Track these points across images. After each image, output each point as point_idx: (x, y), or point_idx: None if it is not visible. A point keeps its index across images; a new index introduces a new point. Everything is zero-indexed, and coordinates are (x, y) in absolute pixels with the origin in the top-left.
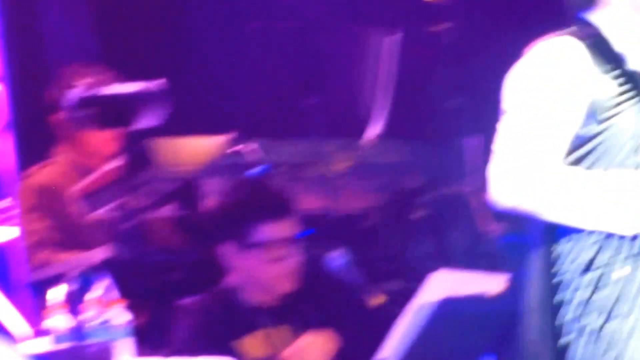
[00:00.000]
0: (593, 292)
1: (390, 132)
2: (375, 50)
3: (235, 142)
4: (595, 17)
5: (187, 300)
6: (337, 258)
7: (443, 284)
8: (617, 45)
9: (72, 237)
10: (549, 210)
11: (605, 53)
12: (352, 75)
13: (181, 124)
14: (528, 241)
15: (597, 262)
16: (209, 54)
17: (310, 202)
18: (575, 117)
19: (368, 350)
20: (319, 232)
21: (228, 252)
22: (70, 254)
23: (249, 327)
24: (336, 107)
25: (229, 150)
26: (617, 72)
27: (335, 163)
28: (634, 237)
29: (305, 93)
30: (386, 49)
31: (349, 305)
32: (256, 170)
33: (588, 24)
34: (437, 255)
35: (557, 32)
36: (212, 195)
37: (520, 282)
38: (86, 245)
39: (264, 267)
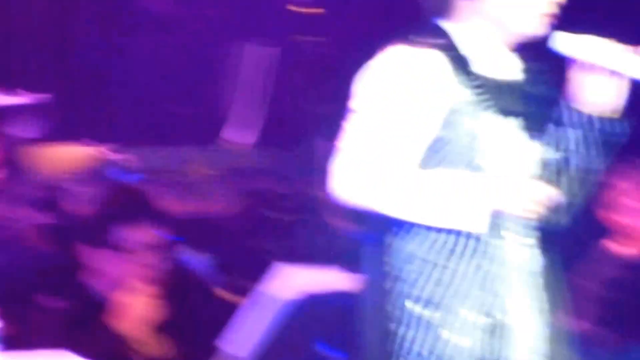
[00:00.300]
0: (424, 285)
1: (257, 140)
2: (246, 62)
3: (110, 150)
4: (450, 25)
5: (52, 303)
6: (203, 259)
7: (297, 280)
8: (471, 54)
9: None
10: (389, 205)
11: (458, 62)
12: (224, 86)
13: (58, 133)
14: (368, 237)
15: (430, 256)
16: (82, 66)
17: (178, 206)
18: (426, 122)
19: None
20: (185, 233)
21: (95, 256)
22: None
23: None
24: (208, 116)
25: (104, 158)
26: (469, 80)
27: (204, 169)
28: (469, 235)
29: (178, 103)
30: (256, 61)
31: (212, 302)
32: (129, 177)
33: (443, 32)
34: (297, 253)
35: (413, 38)
36: (81, 201)
37: (364, 278)
38: None
39: (129, 271)
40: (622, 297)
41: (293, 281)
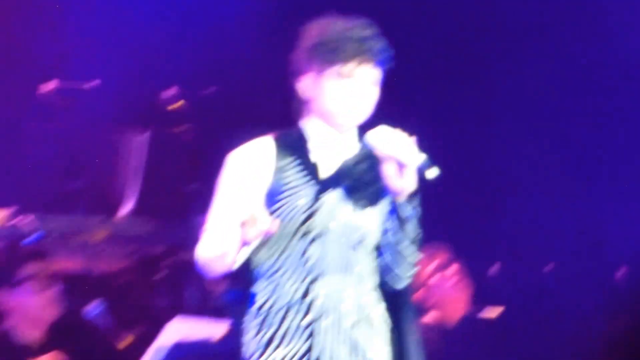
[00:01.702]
0: (260, 330)
1: (139, 210)
2: (128, 146)
3: (13, 214)
4: (303, 122)
5: None
6: (94, 308)
7: (178, 330)
8: (310, 144)
9: None
10: (216, 263)
11: (292, 149)
12: (110, 165)
13: None
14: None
15: (265, 306)
16: None
17: (74, 264)
18: (254, 196)
19: None
20: (80, 288)
21: (1, 297)
22: None
23: None
24: (97, 189)
25: (6, 221)
26: (297, 163)
27: (95, 233)
28: (304, 295)
29: (72, 177)
30: (136, 146)
31: (101, 345)
32: (30, 238)
33: (297, 127)
34: (176, 307)
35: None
36: None
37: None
38: None
39: (31, 299)
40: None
41: (186, 333)
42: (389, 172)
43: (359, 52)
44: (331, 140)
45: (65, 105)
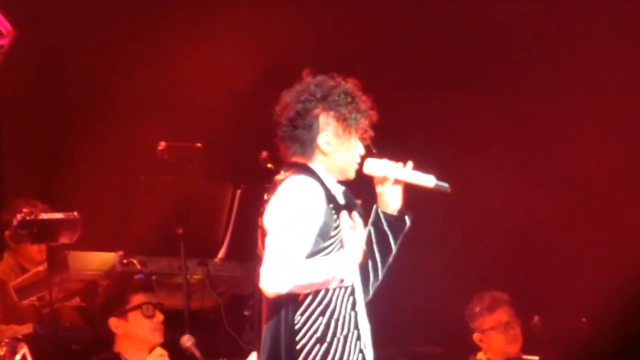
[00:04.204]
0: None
1: (230, 255)
2: (224, 200)
3: (125, 256)
4: (311, 165)
5: None
6: (187, 339)
7: None
8: (329, 185)
9: (8, 315)
10: (311, 279)
11: (326, 192)
12: (208, 215)
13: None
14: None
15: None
16: None
17: (173, 299)
18: (314, 231)
19: None
20: (176, 322)
21: (114, 322)
22: (6, 328)
23: None
24: (196, 236)
25: (121, 262)
26: (333, 204)
27: (192, 274)
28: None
29: (176, 225)
30: (230, 199)
31: None
32: (138, 276)
33: (310, 169)
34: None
35: (296, 172)
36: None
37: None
38: (18, 322)
39: (141, 323)
40: None
41: None
42: (386, 192)
43: (370, 121)
44: (336, 189)
45: (173, 161)
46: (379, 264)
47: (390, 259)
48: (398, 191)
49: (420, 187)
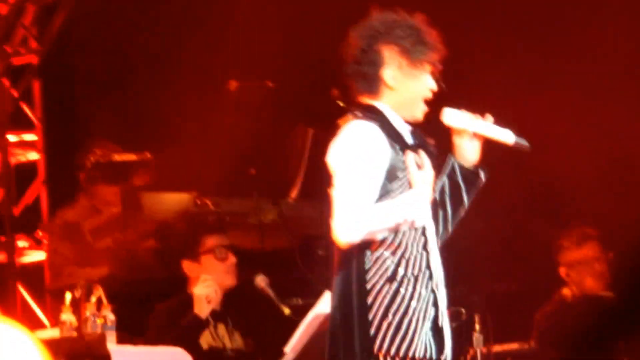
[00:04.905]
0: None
1: (303, 195)
2: (297, 139)
3: (198, 197)
4: (378, 104)
5: (160, 305)
6: (261, 279)
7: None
8: (396, 125)
9: (84, 258)
10: (382, 225)
11: (391, 132)
12: (281, 155)
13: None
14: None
15: (396, 275)
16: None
17: (247, 240)
18: (381, 175)
19: (278, 346)
20: (250, 262)
21: (188, 265)
22: (81, 270)
23: (201, 325)
24: (269, 176)
25: (194, 202)
26: (399, 144)
27: (266, 214)
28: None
29: (249, 165)
30: (304, 139)
31: (267, 313)
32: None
33: (375, 109)
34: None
35: (357, 114)
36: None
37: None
38: (93, 265)
39: (214, 266)
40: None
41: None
42: (464, 144)
43: (438, 55)
44: (403, 127)
45: (246, 101)
46: (450, 217)
47: (462, 212)
48: (476, 145)
49: (499, 143)
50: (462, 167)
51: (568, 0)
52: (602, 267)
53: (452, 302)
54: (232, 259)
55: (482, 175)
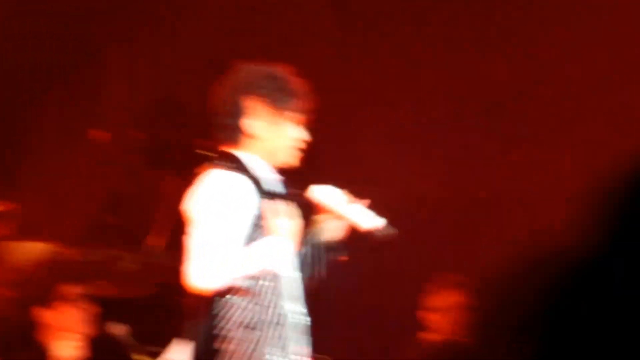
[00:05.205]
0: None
1: (168, 244)
2: (159, 188)
3: (58, 246)
4: (240, 153)
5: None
6: (118, 328)
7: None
8: (256, 174)
9: None
10: (237, 272)
11: (252, 180)
12: (144, 205)
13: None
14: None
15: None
16: None
17: (107, 289)
18: (244, 224)
19: None
20: (110, 311)
21: (46, 314)
22: None
23: None
24: (131, 225)
25: (54, 251)
26: (260, 193)
27: (127, 263)
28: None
29: (109, 213)
30: (166, 188)
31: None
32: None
33: (234, 158)
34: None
35: (216, 163)
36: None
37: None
38: None
39: (72, 315)
40: None
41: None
42: (327, 222)
43: (305, 104)
44: (268, 176)
45: (111, 150)
46: (312, 274)
47: (323, 273)
48: (341, 225)
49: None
50: (324, 241)
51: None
52: (463, 314)
53: (318, 349)
54: (91, 308)
55: (342, 252)
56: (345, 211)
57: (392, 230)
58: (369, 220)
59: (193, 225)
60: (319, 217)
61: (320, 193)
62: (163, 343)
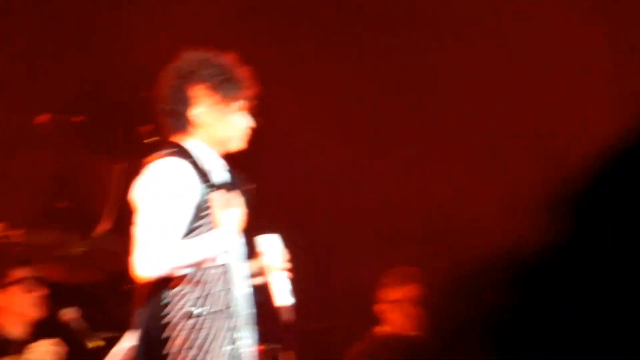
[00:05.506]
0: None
1: (114, 230)
2: (109, 173)
3: (5, 229)
4: (188, 141)
5: None
6: (66, 312)
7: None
8: (202, 162)
9: None
10: (183, 261)
11: (198, 170)
12: (90, 190)
13: None
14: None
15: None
16: None
17: (55, 273)
18: (188, 212)
19: None
20: (59, 295)
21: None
22: None
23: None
24: (79, 209)
25: (4, 236)
26: (207, 182)
27: (74, 247)
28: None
29: (59, 197)
30: (116, 173)
31: (72, 347)
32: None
33: (181, 147)
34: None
35: (164, 152)
36: None
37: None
38: None
39: (21, 298)
40: None
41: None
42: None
43: (249, 92)
44: (215, 162)
45: (56, 134)
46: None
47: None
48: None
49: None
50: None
51: None
52: (417, 308)
53: (265, 339)
54: (41, 291)
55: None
56: (271, 277)
57: (292, 316)
58: (282, 297)
59: (139, 214)
60: (251, 264)
61: (264, 245)
62: (117, 329)
